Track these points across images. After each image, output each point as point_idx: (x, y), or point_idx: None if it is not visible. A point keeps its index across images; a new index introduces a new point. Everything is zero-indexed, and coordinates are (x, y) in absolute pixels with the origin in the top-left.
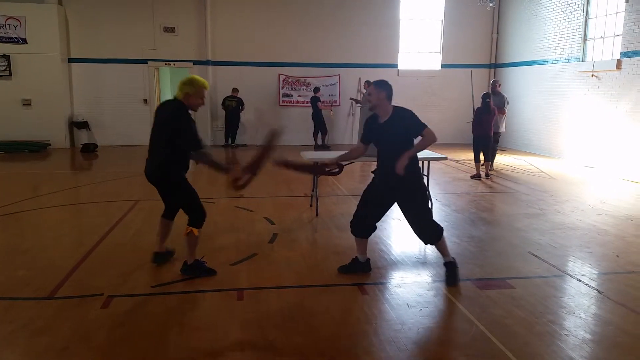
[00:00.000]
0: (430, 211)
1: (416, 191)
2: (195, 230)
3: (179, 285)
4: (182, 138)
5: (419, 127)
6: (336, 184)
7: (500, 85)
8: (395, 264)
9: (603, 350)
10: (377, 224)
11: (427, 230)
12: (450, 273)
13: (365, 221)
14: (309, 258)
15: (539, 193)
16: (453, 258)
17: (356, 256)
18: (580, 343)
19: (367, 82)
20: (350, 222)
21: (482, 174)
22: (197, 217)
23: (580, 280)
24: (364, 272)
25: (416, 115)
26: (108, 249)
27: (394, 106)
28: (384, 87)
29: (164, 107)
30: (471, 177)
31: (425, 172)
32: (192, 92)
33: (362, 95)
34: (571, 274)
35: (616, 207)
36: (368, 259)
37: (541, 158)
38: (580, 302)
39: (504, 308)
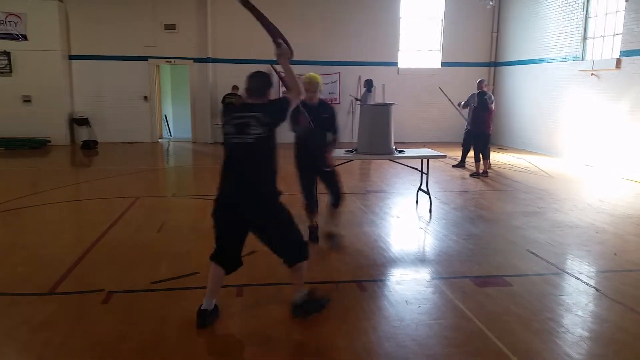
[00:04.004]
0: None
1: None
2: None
3: (179, 282)
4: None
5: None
6: None
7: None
8: (394, 261)
9: (600, 347)
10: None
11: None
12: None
13: None
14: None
15: (538, 191)
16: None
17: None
18: (577, 340)
19: (367, 81)
20: None
21: (481, 171)
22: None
23: (578, 278)
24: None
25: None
26: (108, 245)
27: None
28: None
29: None
30: (470, 175)
31: (424, 170)
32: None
33: (361, 93)
34: (569, 272)
35: (615, 205)
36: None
37: (540, 156)
38: (578, 299)
39: (502, 305)
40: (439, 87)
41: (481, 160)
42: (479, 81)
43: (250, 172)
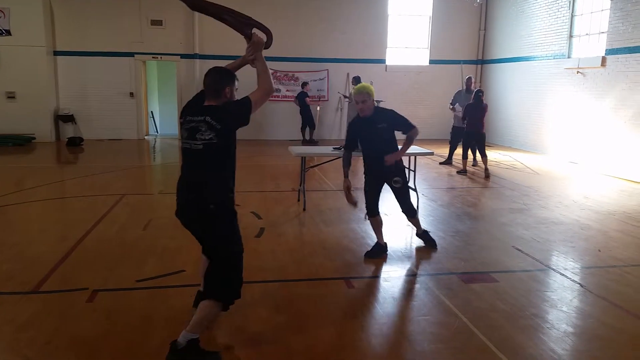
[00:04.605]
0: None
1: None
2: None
3: (163, 280)
4: None
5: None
6: (324, 179)
7: (473, 82)
8: (381, 258)
9: (584, 342)
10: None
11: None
12: None
13: None
14: (296, 252)
15: (524, 188)
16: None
17: None
18: (562, 336)
19: (355, 78)
20: None
21: (469, 170)
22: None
23: (563, 274)
24: None
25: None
26: (93, 243)
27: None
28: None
29: None
30: (457, 172)
31: (412, 168)
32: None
33: (349, 91)
34: (554, 268)
35: (599, 202)
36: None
37: (526, 154)
38: (562, 295)
39: (488, 301)
40: (461, 65)
41: (468, 157)
42: (467, 78)
43: (196, 182)
